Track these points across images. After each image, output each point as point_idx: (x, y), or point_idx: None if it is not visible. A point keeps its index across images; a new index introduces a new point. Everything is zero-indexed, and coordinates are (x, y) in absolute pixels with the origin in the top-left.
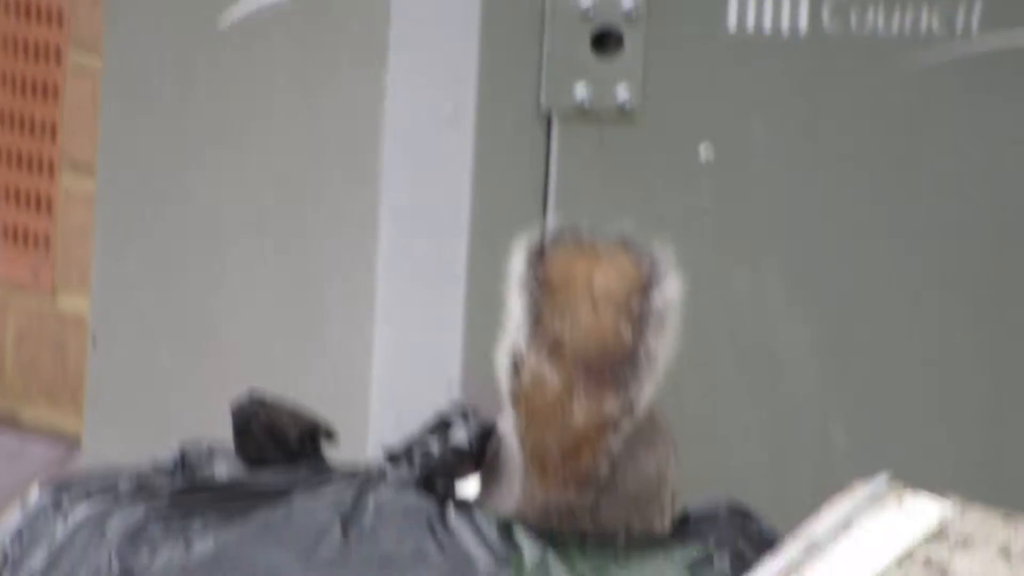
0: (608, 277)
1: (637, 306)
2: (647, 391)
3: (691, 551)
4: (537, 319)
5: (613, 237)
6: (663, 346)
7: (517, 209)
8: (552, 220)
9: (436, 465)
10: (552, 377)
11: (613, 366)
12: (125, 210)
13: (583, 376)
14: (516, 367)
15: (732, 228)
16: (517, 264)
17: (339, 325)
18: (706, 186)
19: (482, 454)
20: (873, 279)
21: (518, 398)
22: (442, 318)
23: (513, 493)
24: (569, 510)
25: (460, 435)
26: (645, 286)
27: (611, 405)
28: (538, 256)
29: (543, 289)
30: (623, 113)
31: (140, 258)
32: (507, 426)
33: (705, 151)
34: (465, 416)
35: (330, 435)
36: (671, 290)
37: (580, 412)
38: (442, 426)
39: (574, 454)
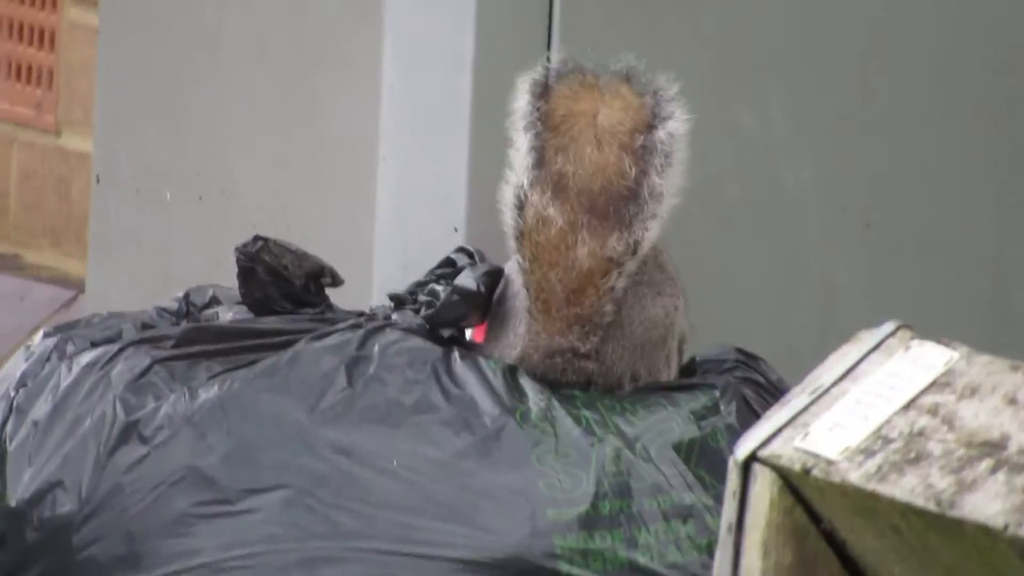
0: (612, 113)
1: (642, 143)
2: (652, 230)
3: (696, 400)
4: (541, 157)
5: (617, 72)
6: (668, 184)
7: (521, 43)
8: (555, 55)
9: (442, 307)
10: (556, 216)
11: (617, 204)
12: (128, 44)
13: (587, 215)
14: (520, 206)
15: (736, 62)
16: (520, 101)
17: (343, 167)
18: (710, 17)
19: (490, 297)
20: (878, 112)
21: (522, 237)
22: (447, 159)
23: (519, 336)
24: (574, 353)
25: (467, 277)
26: (650, 122)
27: (615, 244)
28: (541, 92)
29: (546, 126)
30: None
31: (143, 95)
32: (513, 269)
33: None
34: (472, 258)
35: (335, 279)
36: (677, 127)
37: (584, 251)
38: (448, 268)
39: (578, 295)
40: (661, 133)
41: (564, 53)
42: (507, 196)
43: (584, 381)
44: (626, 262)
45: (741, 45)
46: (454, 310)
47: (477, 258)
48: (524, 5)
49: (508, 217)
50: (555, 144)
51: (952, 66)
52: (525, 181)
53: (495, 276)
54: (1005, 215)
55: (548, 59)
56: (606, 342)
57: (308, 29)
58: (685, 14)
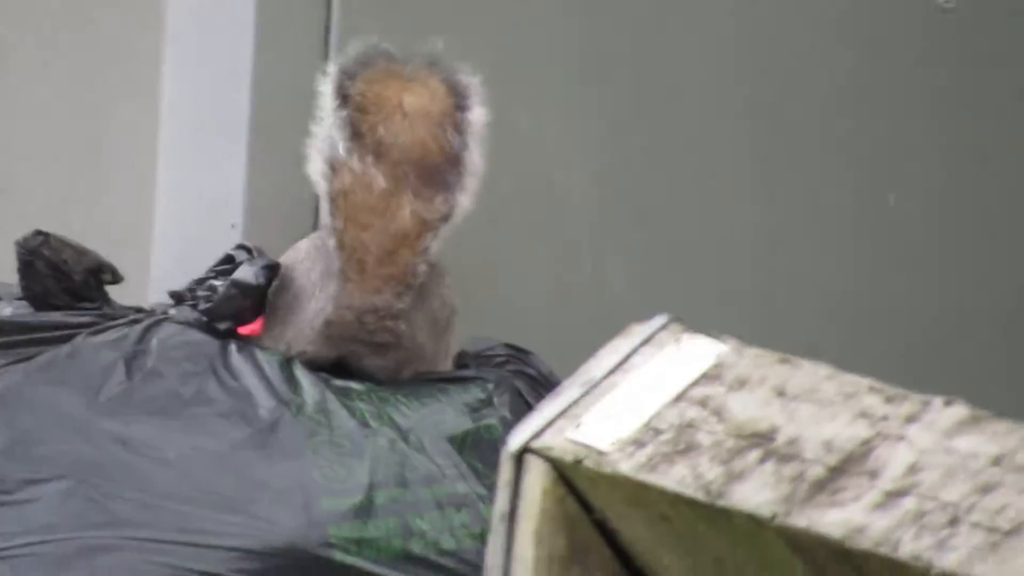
0: (420, 98)
1: (452, 122)
2: (465, 199)
3: (469, 393)
4: (356, 130)
5: (422, 59)
6: (477, 161)
7: (298, 52)
8: (361, 42)
9: (221, 301)
10: (379, 177)
11: (440, 169)
12: None
13: (413, 177)
14: (333, 170)
15: (511, 66)
16: (328, 84)
17: (124, 169)
18: (486, 17)
19: (267, 290)
20: (654, 114)
21: (336, 199)
22: (224, 160)
23: (326, 301)
24: (388, 312)
25: (245, 271)
26: (456, 107)
27: (439, 206)
28: (348, 77)
29: (355, 107)
30: None
31: None
32: (295, 258)
33: None
34: (250, 254)
35: (115, 276)
36: (481, 113)
37: (407, 212)
38: (228, 265)
39: (393, 255)
40: (469, 115)
41: (369, 41)
42: (317, 163)
43: (392, 343)
44: (442, 226)
45: (515, 51)
46: (232, 303)
47: (256, 254)
48: (301, 15)
49: (320, 181)
50: (368, 120)
51: (719, 68)
52: (341, 147)
53: (273, 270)
54: (774, 213)
55: (355, 45)
56: (412, 309)
57: (91, 40)
58: (459, 22)
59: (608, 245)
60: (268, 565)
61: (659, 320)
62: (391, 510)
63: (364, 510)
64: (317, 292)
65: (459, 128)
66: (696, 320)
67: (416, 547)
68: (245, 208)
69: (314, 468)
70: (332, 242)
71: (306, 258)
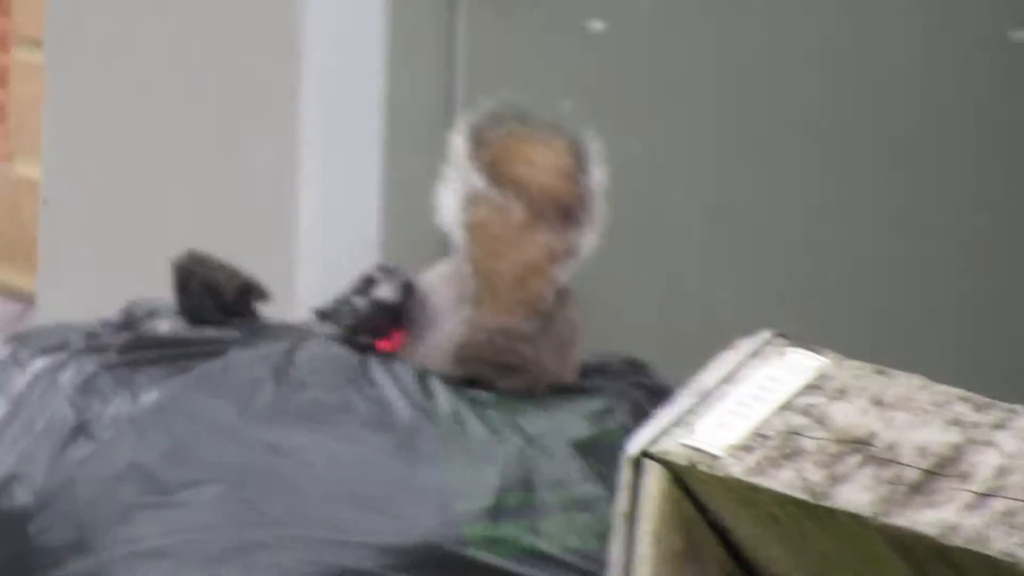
0: (546, 155)
1: (577, 171)
2: (591, 235)
3: (592, 403)
4: (491, 171)
5: (546, 120)
6: (601, 202)
7: (428, 77)
8: (490, 99)
9: (361, 318)
10: (515, 211)
11: (571, 205)
12: (72, 81)
13: (548, 210)
14: (470, 204)
15: (625, 96)
16: (459, 135)
17: (268, 193)
18: (599, 56)
19: (404, 307)
20: (758, 144)
21: (473, 231)
22: (361, 183)
23: (459, 325)
24: (517, 334)
25: (384, 289)
26: (579, 168)
27: (567, 239)
28: (479, 131)
29: (489, 156)
30: None
31: (86, 126)
32: (433, 278)
33: (595, 24)
34: (388, 273)
35: (263, 294)
36: (601, 174)
37: (538, 243)
38: (367, 285)
39: (524, 282)
40: (591, 175)
41: (499, 97)
42: (452, 198)
43: (519, 365)
44: (569, 258)
45: (629, 82)
46: (371, 320)
47: (394, 273)
48: (428, 47)
49: (456, 214)
50: (503, 164)
51: (824, 95)
52: (480, 184)
53: (409, 288)
54: (874, 232)
55: (484, 102)
56: (539, 332)
57: (235, 71)
58: (577, 56)
59: (716, 266)
60: (407, 561)
61: (765, 335)
62: (520, 511)
63: (495, 511)
64: (451, 315)
65: (584, 181)
66: (799, 335)
67: (544, 545)
68: (382, 231)
69: (449, 472)
70: (467, 269)
71: (443, 281)
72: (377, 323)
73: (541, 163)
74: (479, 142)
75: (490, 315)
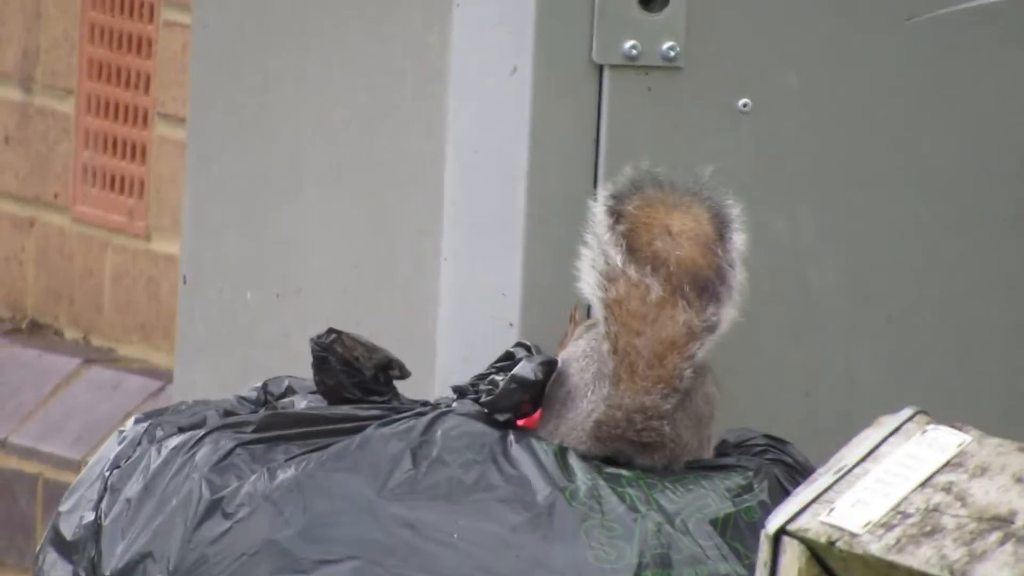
0: (686, 223)
1: (720, 244)
2: (730, 310)
3: (731, 479)
4: (630, 244)
5: (688, 187)
6: (742, 280)
7: (572, 154)
8: (631, 168)
9: (501, 395)
10: (656, 287)
11: (710, 281)
12: (213, 157)
13: (687, 287)
14: (609, 280)
15: (769, 172)
16: (599, 206)
17: (408, 269)
18: (745, 133)
19: (544, 386)
20: (899, 222)
21: (611, 307)
22: (503, 261)
23: (598, 401)
24: (655, 412)
25: (525, 367)
26: (720, 235)
27: (708, 316)
28: (619, 200)
29: (628, 227)
30: (669, 65)
31: (227, 202)
32: (570, 356)
33: (741, 100)
34: (529, 351)
35: (402, 371)
36: (743, 239)
37: (679, 320)
38: (507, 361)
39: (662, 359)
40: (732, 241)
41: (638, 167)
42: (590, 274)
43: (657, 442)
44: (707, 335)
45: (775, 157)
46: (511, 397)
47: (534, 351)
48: (574, 118)
49: (595, 291)
50: (642, 237)
51: (968, 176)
52: (618, 260)
53: (551, 366)
54: (1015, 310)
55: (624, 171)
56: (677, 409)
57: (378, 149)
58: (723, 131)
59: (859, 343)
60: None
61: (906, 412)
62: None
63: None
64: (590, 394)
65: (724, 251)
66: (941, 412)
67: None
68: (522, 307)
69: (587, 549)
70: (606, 346)
71: (582, 356)
72: (517, 401)
73: (680, 231)
74: (617, 212)
75: (628, 393)
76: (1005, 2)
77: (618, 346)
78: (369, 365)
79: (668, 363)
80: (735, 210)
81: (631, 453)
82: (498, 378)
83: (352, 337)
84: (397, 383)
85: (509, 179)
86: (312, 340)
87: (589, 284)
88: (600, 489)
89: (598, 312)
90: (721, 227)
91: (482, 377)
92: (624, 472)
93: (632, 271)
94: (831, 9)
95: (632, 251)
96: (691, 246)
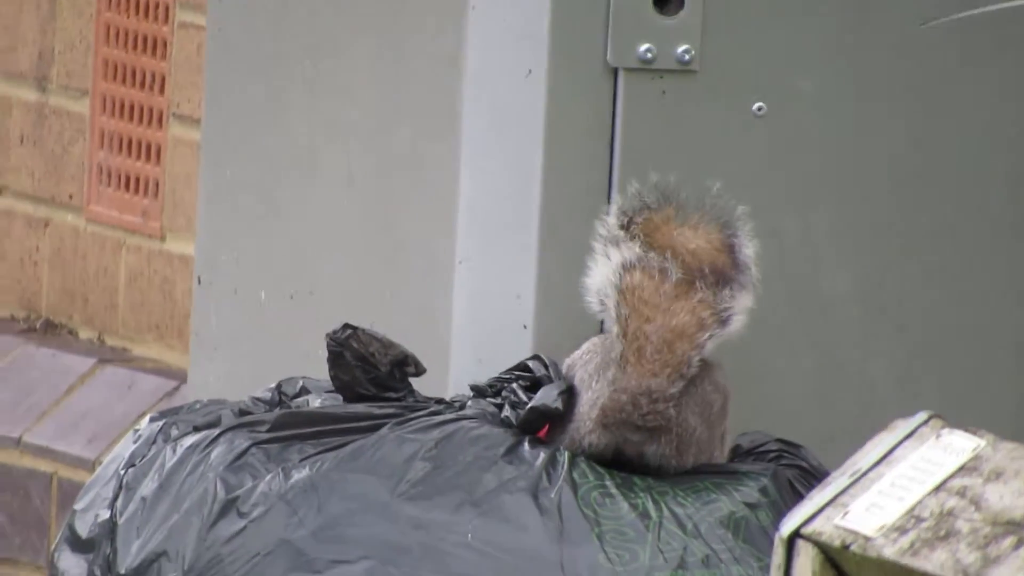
0: (695, 234)
1: (729, 244)
2: (742, 303)
3: (744, 483)
4: (646, 238)
5: (696, 203)
6: (752, 288)
7: (586, 157)
8: (639, 183)
9: (525, 420)
10: (672, 270)
11: (725, 271)
12: (227, 158)
13: (704, 275)
14: (626, 269)
15: (783, 175)
16: (611, 219)
17: (422, 270)
18: (759, 136)
19: (564, 414)
20: (913, 226)
21: (625, 293)
22: (517, 264)
23: (604, 387)
24: (661, 396)
25: (548, 394)
26: (730, 245)
27: (716, 305)
28: (629, 214)
29: (641, 236)
30: (683, 68)
31: (241, 203)
32: (575, 359)
33: (758, 106)
34: (545, 366)
35: (418, 368)
36: (752, 247)
37: (688, 308)
38: (525, 372)
39: (671, 345)
40: (741, 249)
41: (649, 180)
42: (605, 266)
43: (663, 427)
44: (717, 325)
45: (787, 163)
46: (533, 425)
47: (549, 366)
48: (589, 121)
49: (609, 278)
50: (654, 242)
51: (983, 181)
52: (636, 248)
53: (570, 393)
54: None
55: (632, 185)
56: (683, 394)
57: (390, 150)
58: (737, 134)
59: (871, 346)
60: None
61: (921, 416)
62: None
63: None
64: (594, 384)
65: (733, 255)
66: (956, 416)
67: None
68: (535, 309)
69: (600, 552)
70: (615, 330)
71: (585, 353)
72: (540, 426)
73: (687, 241)
74: (629, 227)
75: (634, 376)
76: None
77: (628, 330)
78: (384, 361)
79: (677, 349)
80: (746, 225)
81: (638, 440)
82: (519, 391)
83: (368, 333)
84: (413, 380)
85: (524, 182)
86: (328, 336)
87: (600, 278)
88: (613, 494)
89: (610, 299)
90: (730, 237)
91: (499, 380)
92: (636, 479)
93: (649, 259)
94: (845, 13)
95: (649, 244)
96: (704, 246)
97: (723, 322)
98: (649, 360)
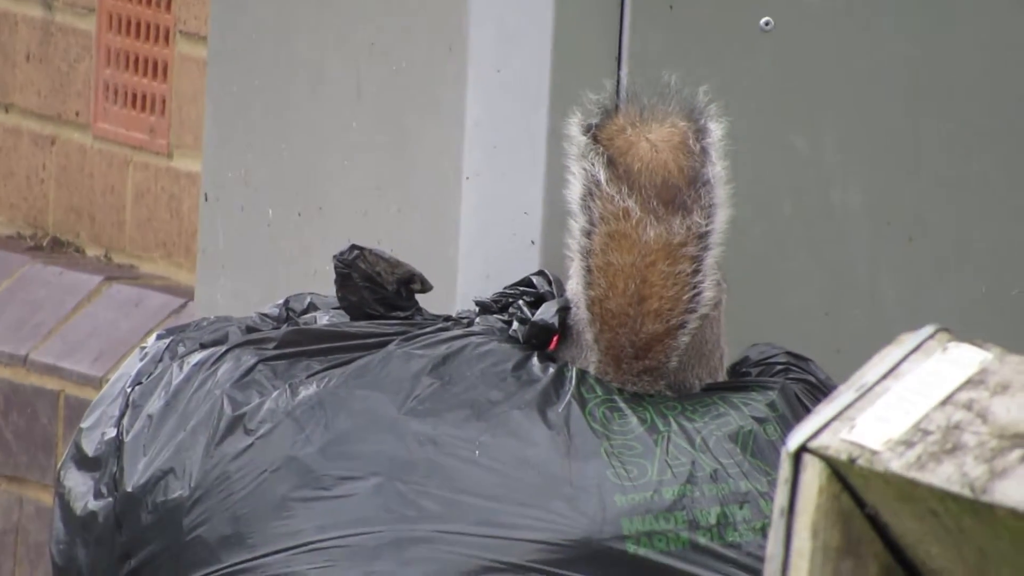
0: (662, 131)
1: (695, 136)
2: (715, 220)
3: (752, 397)
4: (609, 160)
5: (658, 96)
6: (720, 176)
7: (594, 72)
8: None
9: (525, 335)
10: (628, 204)
11: (678, 192)
12: (234, 76)
13: (654, 201)
14: (590, 198)
15: (791, 91)
16: (575, 131)
17: (430, 186)
18: (767, 51)
19: (562, 329)
20: (921, 140)
21: (598, 224)
22: (524, 180)
23: (588, 341)
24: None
25: (547, 311)
26: (696, 130)
27: (678, 228)
28: (593, 123)
29: (605, 143)
30: None
31: (248, 120)
32: (573, 290)
33: (766, 21)
34: (549, 284)
35: (424, 285)
36: (717, 128)
37: (651, 234)
38: (530, 288)
39: (644, 276)
40: (707, 131)
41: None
42: (576, 198)
43: (662, 366)
44: (691, 249)
45: (796, 78)
46: (533, 341)
47: (555, 286)
48: (596, 34)
49: (579, 215)
50: (618, 149)
51: (992, 94)
52: (601, 178)
53: (567, 311)
54: None
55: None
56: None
57: (399, 67)
58: (745, 49)
59: (880, 260)
60: (565, 556)
61: (927, 329)
62: (679, 505)
63: (654, 505)
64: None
65: (699, 142)
66: (963, 329)
67: (702, 539)
68: (543, 225)
69: (608, 467)
70: (586, 263)
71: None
72: (540, 341)
73: (657, 140)
74: (594, 131)
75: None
76: None
77: (601, 340)
78: (391, 280)
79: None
80: (707, 100)
81: (641, 383)
82: (520, 303)
83: (374, 252)
84: (420, 298)
85: (531, 98)
86: (335, 257)
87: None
88: (621, 409)
89: (577, 272)
90: (696, 121)
91: (504, 296)
92: (644, 396)
93: (611, 189)
94: None
95: (610, 167)
96: (665, 151)
97: (699, 236)
98: (625, 372)
